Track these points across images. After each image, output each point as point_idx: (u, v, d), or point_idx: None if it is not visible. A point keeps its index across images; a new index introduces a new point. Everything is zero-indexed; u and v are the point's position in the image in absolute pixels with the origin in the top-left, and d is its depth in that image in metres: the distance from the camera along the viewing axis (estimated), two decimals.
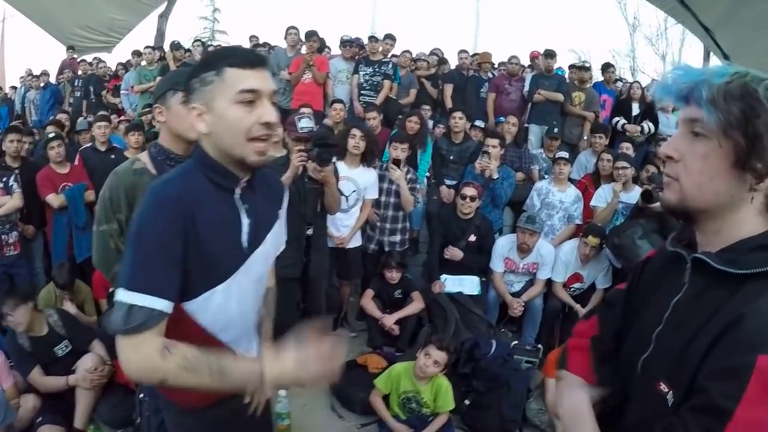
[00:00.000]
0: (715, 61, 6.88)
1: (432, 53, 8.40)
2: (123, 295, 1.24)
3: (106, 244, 2.05)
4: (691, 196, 1.03)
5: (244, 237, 1.43)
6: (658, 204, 3.91)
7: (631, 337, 1.20)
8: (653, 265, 1.25)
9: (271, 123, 1.32)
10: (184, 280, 1.32)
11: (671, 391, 1.00)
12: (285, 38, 7.19)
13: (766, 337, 0.89)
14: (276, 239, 1.57)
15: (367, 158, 4.22)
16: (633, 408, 1.13)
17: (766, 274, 0.95)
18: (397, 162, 4.33)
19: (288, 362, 1.27)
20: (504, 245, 4.62)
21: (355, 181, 4.20)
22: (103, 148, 5.39)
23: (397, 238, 4.59)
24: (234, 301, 1.44)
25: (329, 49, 8.26)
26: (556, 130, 6.31)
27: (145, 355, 1.23)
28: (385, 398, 3.40)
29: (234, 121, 1.29)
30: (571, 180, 5.34)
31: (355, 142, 4.11)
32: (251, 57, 1.33)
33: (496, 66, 7.92)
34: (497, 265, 4.60)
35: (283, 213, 1.62)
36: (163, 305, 1.25)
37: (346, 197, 4.14)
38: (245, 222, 1.43)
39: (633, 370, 1.13)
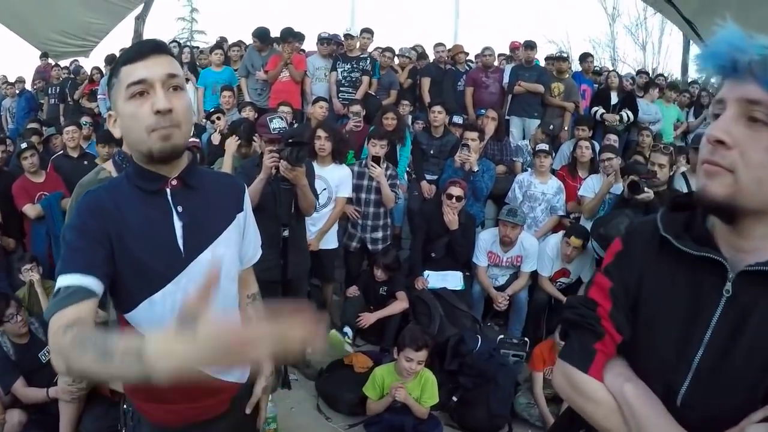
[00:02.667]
0: (696, 50, 6.88)
1: (414, 49, 8.36)
2: (57, 283, 1.22)
3: None
4: (748, 193, 0.86)
5: (180, 241, 1.35)
6: (645, 195, 3.89)
7: (650, 353, 1.01)
8: (653, 257, 1.04)
9: (160, 110, 1.23)
10: (118, 289, 1.31)
11: None
12: (253, 40, 7.11)
13: None
14: (228, 246, 1.46)
15: (336, 157, 4.18)
16: None
17: None
18: (376, 159, 4.29)
19: (183, 338, 0.89)
20: (487, 239, 4.59)
21: (326, 179, 4.13)
22: (75, 154, 5.31)
23: (379, 234, 4.55)
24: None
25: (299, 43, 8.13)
26: (551, 126, 6.29)
27: (52, 333, 1.10)
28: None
29: (130, 117, 1.26)
30: (552, 171, 5.33)
31: (321, 143, 4.08)
32: (141, 48, 1.28)
33: (472, 59, 7.89)
34: (480, 259, 4.57)
35: (243, 216, 1.53)
36: (85, 281, 1.19)
37: (317, 195, 4.06)
38: (178, 225, 1.36)
39: (668, 401, 0.97)
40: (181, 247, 1.35)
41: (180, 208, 1.36)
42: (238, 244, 1.52)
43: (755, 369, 0.88)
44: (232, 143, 4.43)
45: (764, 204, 0.87)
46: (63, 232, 1.30)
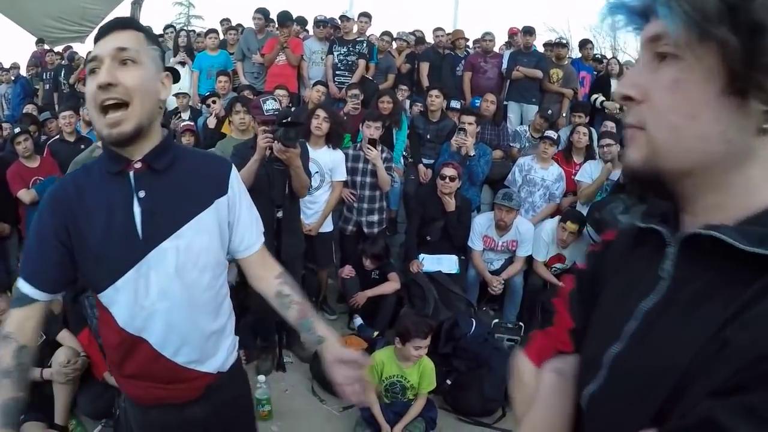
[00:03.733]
0: None
1: (412, 33, 8.30)
2: (17, 281, 1.36)
3: None
4: (665, 148, 0.65)
5: (139, 227, 1.31)
6: None
7: (585, 353, 0.83)
8: (615, 251, 0.86)
9: (100, 84, 1.20)
10: (83, 275, 1.36)
11: None
12: (253, 21, 7.04)
13: None
14: (201, 231, 1.38)
15: (332, 140, 4.15)
16: None
17: None
18: (372, 142, 4.26)
19: None
20: (482, 223, 4.57)
21: (318, 162, 4.10)
22: (71, 139, 5.28)
23: (375, 218, 4.52)
24: (143, 297, 1.34)
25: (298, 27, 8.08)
26: (550, 111, 6.24)
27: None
28: None
29: (86, 96, 1.26)
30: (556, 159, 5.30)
31: (318, 122, 4.04)
32: (105, 26, 1.28)
33: (471, 44, 7.83)
34: (476, 243, 4.55)
35: (228, 201, 1.44)
36: (30, 290, 1.33)
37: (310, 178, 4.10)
38: (137, 211, 1.31)
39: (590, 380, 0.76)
40: (140, 234, 1.32)
41: (142, 193, 1.32)
42: (217, 231, 1.43)
43: (669, 382, 0.63)
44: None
45: (693, 160, 0.65)
46: (32, 225, 1.37)
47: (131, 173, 1.32)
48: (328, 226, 4.38)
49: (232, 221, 1.48)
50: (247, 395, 1.80)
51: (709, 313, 0.61)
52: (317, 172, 4.11)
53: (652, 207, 0.79)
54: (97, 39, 1.27)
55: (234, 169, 1.50)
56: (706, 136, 0.63)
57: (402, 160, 5.49)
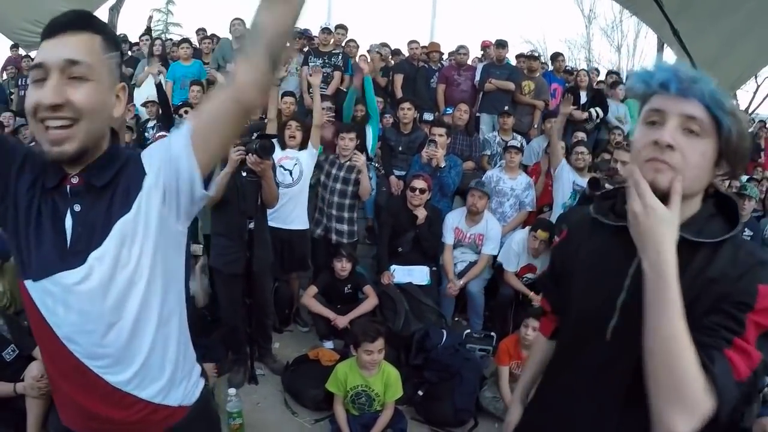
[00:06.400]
0: (669, 53, 6.98)
1: (384, 45, 8.34)
2: None
3: None
4: (687, 185, 1.11)
5: (69, 241, 1.17)
6: (605, 191, 3.94)
7: (586, 301, 1.32)
8: (585, 240, 1.37)
9: (42, 104, 1.07)
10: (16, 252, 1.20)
11: None
12: (230, 30, 7.04)
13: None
14: (127, 245, 1.19)
15: (304, 146, 4.29)
16: (622, 370, 1.20)
17: (730, 239, 1.14)
18: (358, 148, 4.33)
19: None
20: (454, 216, 4.69)
21: (297, 156, 4.26)
22: None
23: (345, 227, 4.49)
24: (67, 310, 1.18)
25: None
26: (506, 107, 6.33)
27: None
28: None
29: (25, 104, 1.11)
30: (524, 167, 5.37)
31: (291, 132, 4.21)
32: (51, 24, 1.11)
33: (445, 57, 7.91)
34: (447, 237, 4.64)
35: (150, 182, 1.20)
36: None
37: (290, 171, 4.21)
38: (68, 224, 1.17)
39: (600, 335, 1.24)
40: (68, 247, 1.17)
41: (78, 208, 1.18)
42: (146, 220, 1.20)
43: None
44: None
45: (689, 192, 1.14)
46: None
47: (66, 186, 1.18)
48: (303, 223, 4.40)
49: (172, 181, 1.21)
50: None
51: (680, 267, 1.07)
52: (296, 164, 4.23)
53: (604, 206, 1.34)
54: (46, 35, 1.10)
55: (147, 149, 1.28)
56: (702, 182, 1.16)
57: (374, 172, 5.51)
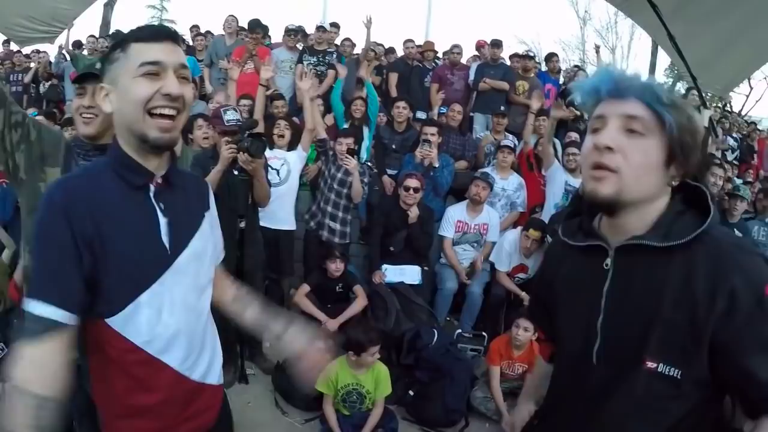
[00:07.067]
0: (663, 54, 7.01)
1: (378, 44, 8.33)
2: (28, 305, 1.15)
3: None
4: (629, 188, 1.09)
5: (165, 237, 1.30)
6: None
7: (570, 328, 1.29)
8: (559, 265, 1.35)
9: (171, 94, 1.23)
10: (100, 291, 1.21)
11: (674, 368, 1.09)
12: (223, 27, 7.01)
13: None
14: (205, 243, 1.42)
15: (294, 146, 4.35)
16: (617, 395, 1.16)
17: (701, 235, 1.08)
18: (351, 152, 4.30)
19: None
20: (456, 210, 4.73)
21: (285, 156, 4.31)
22: None
23: (337, 226, 4.48)
24: (167, 313, 1.29)
25: (270, 38, 8.09)
26: (502, 107, 6.33)
27: (20, 368, 1.11)
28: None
29: (134, 93, 1.21)
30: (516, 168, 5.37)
31: (280, 131, 4.29)
32: (157, 30, 1.28)
33: (440, 56, 7.90)
34: (447, 230, 4.68)
35: (210, 215, 1.47)
36: (60, 315, 1.13)
37: (277, 170, 4.23)
38: (162, 221, 1.30)
39: (588, 360, 1.21)
40: (167, 244, 1.30)
41: (162, 205, 1.31)
42: (212, 239, 1.48)
43: (641, 326, 1.11)
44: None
45: (640, 196, 1.12)
46: (36, 234, 1.19)
47: (152, 186, 1.31)
48: (290, 225, 4.41)
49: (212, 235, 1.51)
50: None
51: (651, 279, 1.11)
52: (284, 164, 4.26)
53: (571, 226, 1.31)
54: (147, 39, 1.25)
55: (209, 186, 1.57)
56: (651, 184, 1.11)
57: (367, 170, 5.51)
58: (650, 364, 1.09)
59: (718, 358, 1.06)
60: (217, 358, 1.50)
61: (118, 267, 1.22)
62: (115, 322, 1.24)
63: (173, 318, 1.30)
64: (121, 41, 1.26)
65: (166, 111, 1.24)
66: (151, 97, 1.21)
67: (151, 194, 1.30)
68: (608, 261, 1.18)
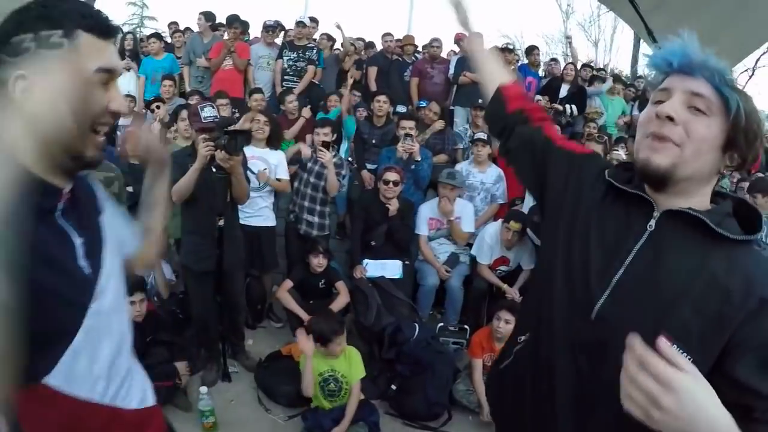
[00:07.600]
0: (645, 48, 7.06)
1: (359, 39, 8.32)
2: None
3: None
4: (686, 163, 1.06)
5: (82, 261, 1.04)
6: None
7: (573, 267, 1.19)
8: (593, 190, 1.25)
9: (120, 112, 1.04)
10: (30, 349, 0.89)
11: (686, 354, 0.90)
12: (197, 23, 6.97)
13: None
14: (113, 257, 1.14)
15: (272, 142, 4.32)
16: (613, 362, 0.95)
17: (748, 242, 1.07)
18: (325, 145, 4.28)
19: None
20: (427, 207, 4.73)
21: (265, 158, 4.27)
22: None
23: (315, 219, 4.45)
24: (99, 349, 1.08)
25: (249, 34, 8.04)
26: (480, 100, 6.35)
27: None
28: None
29: (90, 103, 0.99)
30: (494, 159, 5.38)
31: (259, 126, 4.24)
32: (108, 24, 1.02)
33: (420, 50, 7.90)
34: (422, 228, 4.68)
35: (106, 216, 1.19)
36: None
37: (256, 174, 4.19)
38: (77, 242, 1.04)
39: (584, 313, 1.14)
40: (86, 269, 1.05)
41: (72, 223, 1.05)
42: (117, 249, 1.20)
43: (664, 300, 1.06)
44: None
45: (694, 173, 1.08)
46: None
47: (59, 204, 1.03)
48: (270, 221, 4.41)
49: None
50: None
51: (690, 257, 1.07)
52: (265, 168, 4.22)
53: (622, 174, 1.21)
54: (100, 32, 1.01)
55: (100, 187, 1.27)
56: (708, 163, 1.07)
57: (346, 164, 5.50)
58: (664, 342, 0.92)
59: (728, 359, 1.02)
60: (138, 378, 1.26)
61: (40, 312, 0.92)
62: (55, 379, 1.01)
63: (110, 349, 1.11)
64: (59, 20, 0.96)
65: (105, 129, 1.04)
66: (101, 112, 1.01)
67: (58, 214, 1.03)
68: (653, 222, 1.13)
